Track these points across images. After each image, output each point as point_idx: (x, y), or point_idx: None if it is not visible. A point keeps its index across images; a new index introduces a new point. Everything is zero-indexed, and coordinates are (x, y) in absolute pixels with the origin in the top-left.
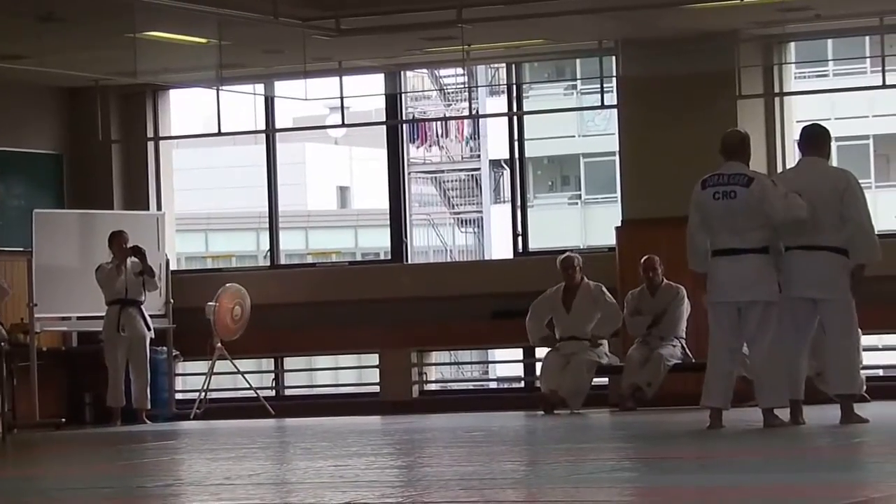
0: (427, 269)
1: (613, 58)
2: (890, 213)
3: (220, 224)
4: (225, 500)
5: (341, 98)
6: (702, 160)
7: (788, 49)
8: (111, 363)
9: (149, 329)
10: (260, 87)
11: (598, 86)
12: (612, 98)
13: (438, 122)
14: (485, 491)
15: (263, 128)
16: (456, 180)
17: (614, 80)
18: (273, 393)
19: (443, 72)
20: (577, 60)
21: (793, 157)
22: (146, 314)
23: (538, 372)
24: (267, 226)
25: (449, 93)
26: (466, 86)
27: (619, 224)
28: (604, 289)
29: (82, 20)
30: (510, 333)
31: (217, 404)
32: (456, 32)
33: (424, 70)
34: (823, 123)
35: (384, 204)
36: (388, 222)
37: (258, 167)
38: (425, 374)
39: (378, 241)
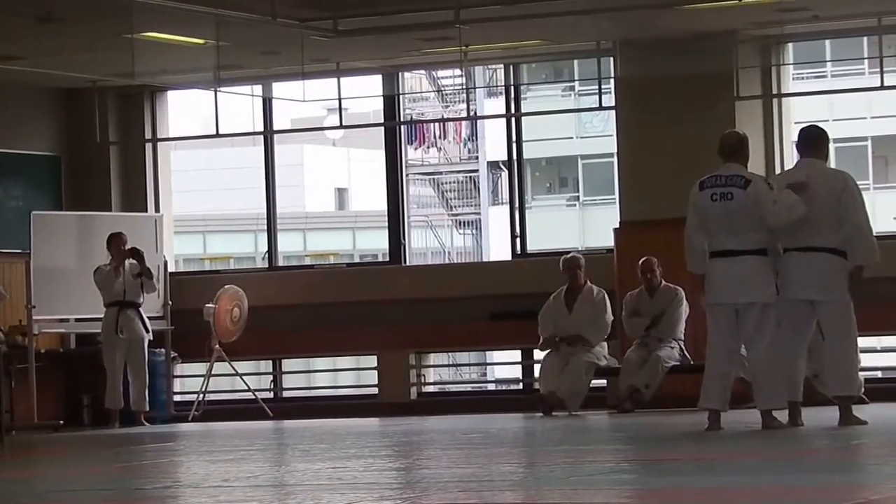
0: (425, 271)
1: (611, 59)
2: (888, 215)
3: (219, 226)
4: (223, 503)
5: (339, 99)
6: (700, 161)
7: (786, 50)
8: (109, 365)
9: (147, 331)
10: (258, 89)
11: (596, 87)
12: (610, 99)
13: (436, 124)
14: (483, 493)
15: (261, 129)
16: (454, 182)
17: (612, 81)
18: (271, 395)
19: (440, 73)
20: (575, 61)
21: (791, 158)
22: (144, 316)
23: (536, 373)
24: (265, 227)
25: (447, 94)
26: (464, 87)
27: (618, 225)
28: (606, 299)
29: (80, 21)
30: (508, 335)
31: (215, 406)
32: (453, 33)
33: (422, 71)
34: (821, 125)
35: (382, 205)
36: (387, 224)
37: (256, 169)
38: (423, 375)
39: (376, 242)
